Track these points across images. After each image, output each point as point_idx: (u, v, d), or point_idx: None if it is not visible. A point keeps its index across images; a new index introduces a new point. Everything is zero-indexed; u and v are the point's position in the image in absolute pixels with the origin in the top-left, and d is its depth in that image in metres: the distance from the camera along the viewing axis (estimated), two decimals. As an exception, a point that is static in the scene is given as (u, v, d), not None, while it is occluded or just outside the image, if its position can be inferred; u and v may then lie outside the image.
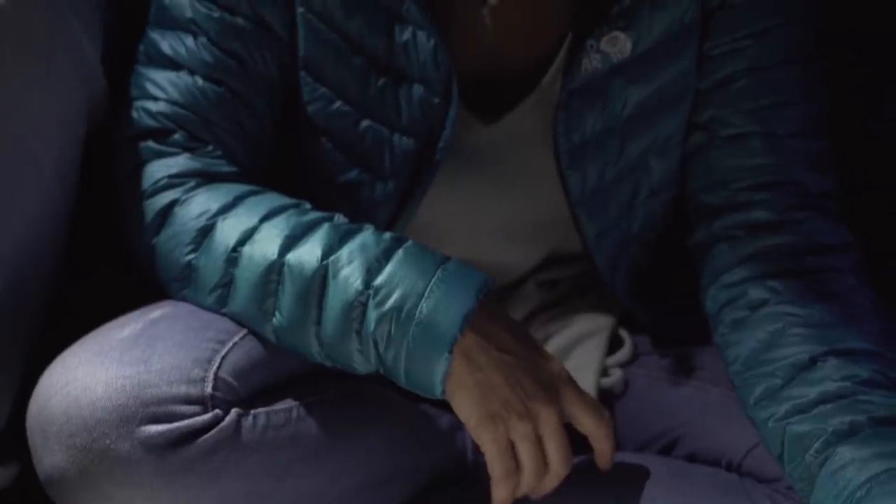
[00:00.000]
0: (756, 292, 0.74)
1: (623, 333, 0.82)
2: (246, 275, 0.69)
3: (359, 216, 0.76)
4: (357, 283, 0.67)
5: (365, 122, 0.76)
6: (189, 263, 0.71)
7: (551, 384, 0.68)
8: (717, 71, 0.76)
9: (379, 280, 0.66)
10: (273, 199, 0.72)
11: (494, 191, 0.78)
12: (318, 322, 0.67)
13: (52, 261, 0.73)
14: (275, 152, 0.78)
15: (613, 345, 0.82)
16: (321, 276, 0.67)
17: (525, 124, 0.76)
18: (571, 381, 0.70)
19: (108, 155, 0.75)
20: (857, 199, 0.79)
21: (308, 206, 0.72)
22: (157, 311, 0.70)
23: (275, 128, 0.77)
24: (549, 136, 0.75)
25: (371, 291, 0.66)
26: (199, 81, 0.73)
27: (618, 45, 0.73)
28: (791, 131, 0.76)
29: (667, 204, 0.81)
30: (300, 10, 0.74)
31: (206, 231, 0.70)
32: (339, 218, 0.71)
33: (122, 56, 0.76)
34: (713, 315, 0.77)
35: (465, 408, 0.67)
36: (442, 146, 0.74)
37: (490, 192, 0.78)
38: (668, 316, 0.82)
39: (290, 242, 0.69)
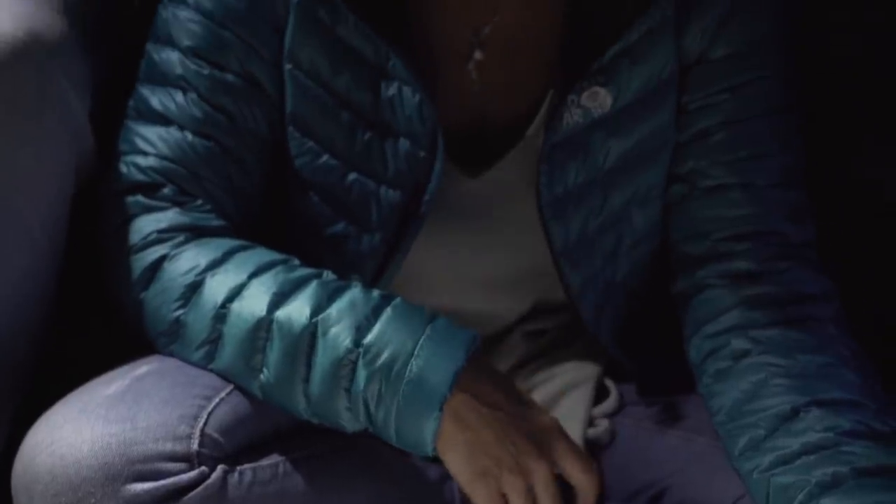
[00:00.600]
0: (738, 343, 0.74)
1: (608, 383, 0.83)
2: (234, 331, 0.69)
3: (346, 268, 0.77)
4: (347, 341, 0.67)
5: (352, 176, 0.77)
6: (177, 319, 0.71)
7: (542, 437, 0.69)
8: (695, 124, 0.77)
9: (368, 339, 0.67)
10: (262, 255, 0.73)
11: (479, 242, 0.79)
12: (307, 379, 0.68)
13: (39, 316, 0.74)
14: (263, 205, 0.79)
15: (599, 394, 0.82)
16: (310, 334, 0.68)
17: (509, 177, 0.77)
18: (562, 433, 0.70)
19: (96, 209, 0.76)
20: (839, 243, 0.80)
21: (296, 262, 0.73)
22: (143, 367, 0.70)
23: (263, 181, 0.78)
24: (532, 189, 0.76)
25: (361, 350, 0.67)
26: (189, 137, 0.74)
27: (598, 99, 0.74)
28: (770, 182, 0.77)
29: (650, 253, 0.82)
30: (288, 66, 0.75)
31: (195, 287, 0.71)
32: (328, 275, 0.72)
33: (110, 112, 0.77)
34: (697, 365, 0.78)
35: (457, 465, 0.67)
36: (428, 199, 0.75)
37: (475, 244, 0.79)
38: (653, 364, 0.82)
39: (279, 299, 0.69)
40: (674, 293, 0.80)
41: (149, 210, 0.74)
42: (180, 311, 0.71)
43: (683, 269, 0.79)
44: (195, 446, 0.65)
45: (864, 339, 0.75)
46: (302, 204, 0.79)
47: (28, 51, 0.68)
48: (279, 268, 0.71)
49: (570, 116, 0.74)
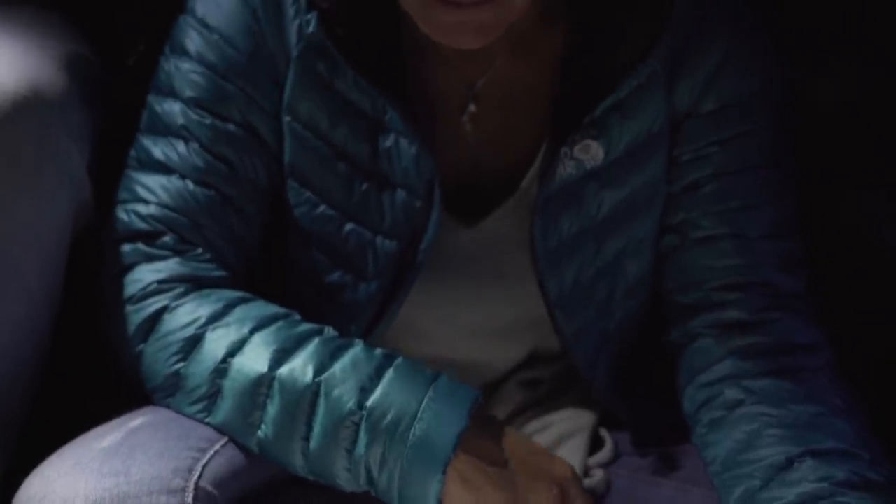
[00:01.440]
0: (732, 392, 0.75)
1: (603, 433, 0.83)
2: (234, 386, 0.69)
3: (342, 317, 0.77)
4: (350, 402, 0.67)
5: (349, 226, 0.77)
6: (176, 372, 0.71)
7: (553, 488, 0.68)
8: (687, 176, 0.78)
9: (371, 401, 0.67)
10: (263, 309, 0.73)
11: (474, 291, 0.79)
12: (306, 438, 0.68)
13: (33, 366, 0.74)
14: (262, 254, 0.80)
15: (594, 444, 0.82)
16: (313, 393, 0.68)
17: (503, 227, 0.78)
18: (577, 479, 0.70)
19: (93, 258, 0.76)
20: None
21: (297, 317, 0.73)
22: (138, 420, 0.70)
23: (262, 230, 0.79)
24: (526, 239, 0.77)
25: (364, 412, 0.67)
26: (191, 185, 0.75)
27: (590, 152, 0.75)
28: (761, 233, 0.77)
29: (643, 303, 0.82)
30: (287, 119, 0.76)
31: (195, 340, 0.71)
32: (329, 331, 0.72)
33: (109, 163, 0.77)
34: (691, 415, 0.78)
35: None
36: (424, 248, 0.76)
37: (470, 293, 0.79)
38: (648, 412, 0.82)
39: (281, 356, 0.69)
40: (667, 342, 0.80)
41: (149, 259, 0.74)
42: (179, 365, 0.71)
43: (676, 319, 0.79)
44: (189, 500, 0.65)
45: (856, 384, 0.75)
46: (299, 253, 0.79)
47: (30, 106, 0.69)
48: (281, 323, 0.72)
49: (563, 168, 0.75)
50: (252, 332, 0.71)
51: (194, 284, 0.74)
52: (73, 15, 0.82)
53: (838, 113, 0.87)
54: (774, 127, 0.77)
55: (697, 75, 0.76)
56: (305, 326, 0.72)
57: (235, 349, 0.70)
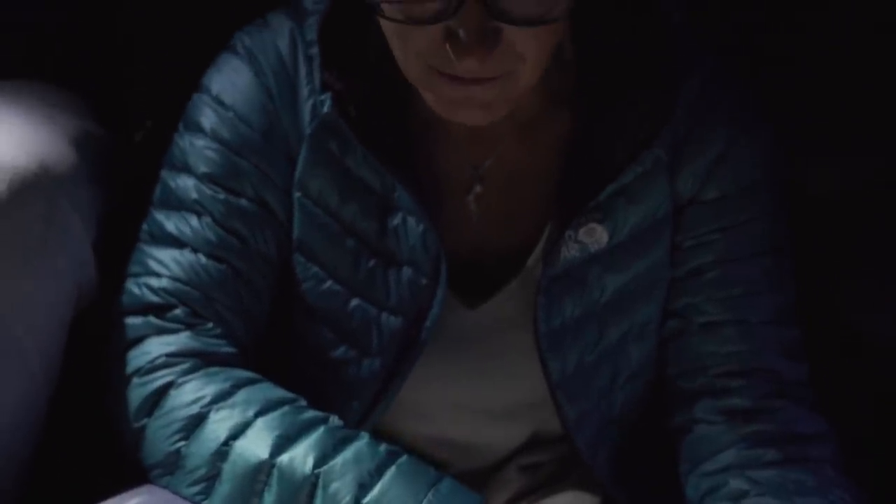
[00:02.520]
0: (736, 483, 0.74)
1: (605, 518, 0.82)
2: (234, 470, 0.69)
3: (345, 394, 0.77)
4: (347, 498, 0.67)
5: (354, 301, 0.78)
6: (177, 451, 0.71)
7: None
8: (689, 261, 0.78)
9: (369, 498, 0.66)
10: (269, 392, 0.73)
11: (477, 371, 0.79)
12: None
13: (30, 444, 0.73)
14: (268, 328, 0.80)
15: (595, 530, 0.81)
16: (311, 485, 0.67)
17: (507, 308, 0.78)
18: None
19: (99, 332, 0.76)
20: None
21: (304, 402, 0.73)
22: (134, 500, 0.69)
23: (271, 304, 0.79)
24: (530, 320, 0.77)
25: None
26: (203, 259, 0.76)
27: (595, 235, 0.76)
28: (763, 319, 0.77)
29: (646, 387, 0.82)
30: (297, 195, 0.77)
31: (199, 419, 0.71)
32: (334, 420, 0.72)
33: (116, 240, 0.78)
34: (695, 503, 0.77)
35: None
36: (429, 326, 0.76)
37: (472, 373, 0.79)
38: (650, 498, 0.81)
39: (283, 443, 0.69)
40: (669, 428, 0.80)
41: (159, 332, 0.75)
42: (181, 444, 0.71)
43: (679, 405, 0.79)
44: None
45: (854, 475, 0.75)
46: (304, 327, 0.79)
47: (39, 183, 0.69)
48: (286, 408, 0.71)
49: (567, 251, 0.76)
50: (256, 415, 0.70)
51: (203, 360, 0.74)
52: (80, 91, 0.83)
53: (839, 202, 0.88)
54: (775, 215, 0.78)
55: (700, 163, 0.76)
56: (311, 413, 0.71)
57: (238, 432, 0.70)
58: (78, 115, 0.79)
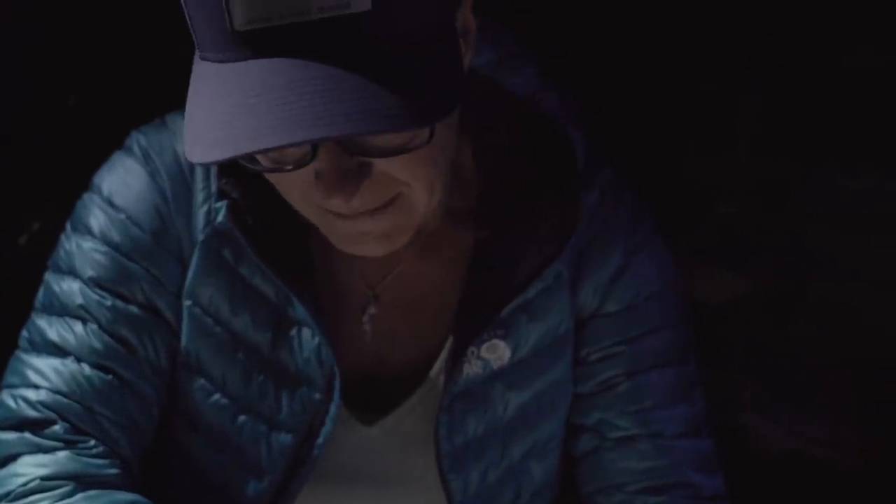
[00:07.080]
0: None
1: None
2: None
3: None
4: None
5: (242, 417, 0.74)
6: None
7: None
8: (598, 375, 0.78)
9: None
10: None
11: (374, 492, 0.76)
12: None
13: None
14: (154, 441, 0.76)
15: None
16: None
17: (406, 425, 0.76)
18: None
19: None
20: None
21: None
22: None
23: (158, 416, 0.75)
24: (430, 438, 0.75)
25: None
26: (87, 369, 0.72)
27: (497, 352, 0.75)
28: (677, 432, 0.77)
29: (550, 506, 0.80)
30: (187, 303, 0.74)
31: None
32: None
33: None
34: None
35: None
36: (321, 442, 0.73)
37: (368, 494, 0.76)
38: None
39: None
40: None
41: (35, 450, 0.70)
42: None
43: None
44: None
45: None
46: (188, 442, 0.75)
47: None
48: None
49: (469, 367, 0.74)
50: None
51: (81, 484, 0.69)
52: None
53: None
54: (678, 325, 0.78)
55: (601, 276, 0.76)
56: None
57: None
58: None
